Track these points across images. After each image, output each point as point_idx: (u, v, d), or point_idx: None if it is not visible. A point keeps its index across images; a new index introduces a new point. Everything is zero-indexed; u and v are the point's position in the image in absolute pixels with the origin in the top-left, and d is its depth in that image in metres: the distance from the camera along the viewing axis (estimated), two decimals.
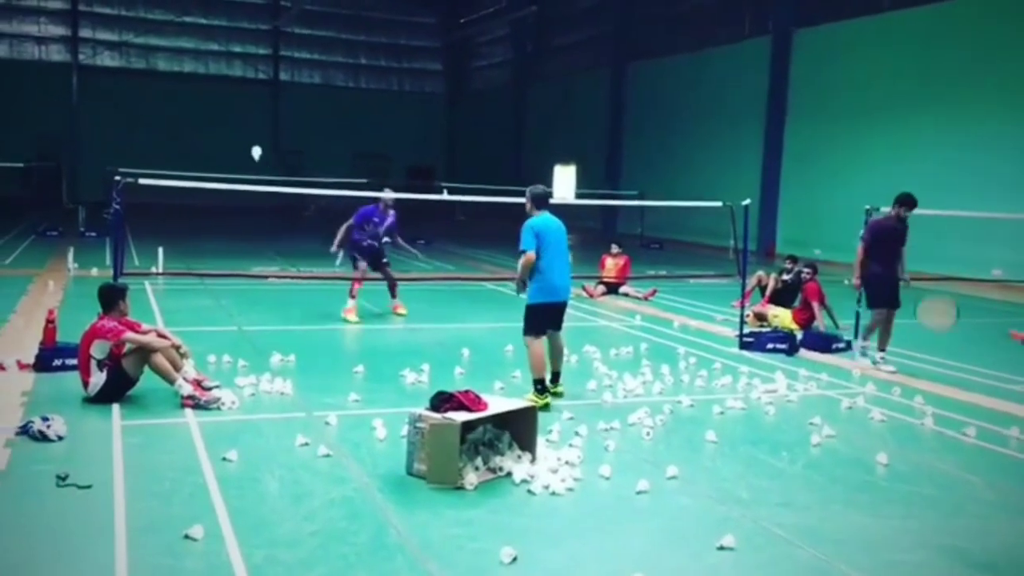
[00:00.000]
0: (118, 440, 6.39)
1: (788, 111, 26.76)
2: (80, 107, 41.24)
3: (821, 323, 12.17)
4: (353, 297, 12.26)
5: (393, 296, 12.78)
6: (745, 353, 10.71)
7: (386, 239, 12.52)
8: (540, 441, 6.35)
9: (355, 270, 12.46)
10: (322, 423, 7.00)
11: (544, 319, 7.90)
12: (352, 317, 12.10)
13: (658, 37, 32.99)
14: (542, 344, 7.84)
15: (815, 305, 12.26)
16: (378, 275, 12.70)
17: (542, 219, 7.85)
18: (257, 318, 12.16)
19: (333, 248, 12.57)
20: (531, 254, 7.67)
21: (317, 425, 6.96)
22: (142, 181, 10.14)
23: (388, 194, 12.59)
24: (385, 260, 12.58)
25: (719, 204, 12.66)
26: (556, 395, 8.01)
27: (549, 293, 7.83)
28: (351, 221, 12.34)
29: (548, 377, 7.95)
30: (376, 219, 12.38)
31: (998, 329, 14.43)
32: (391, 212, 12.53)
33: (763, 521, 5.33)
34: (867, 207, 11.24)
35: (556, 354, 8.09)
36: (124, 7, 42.68)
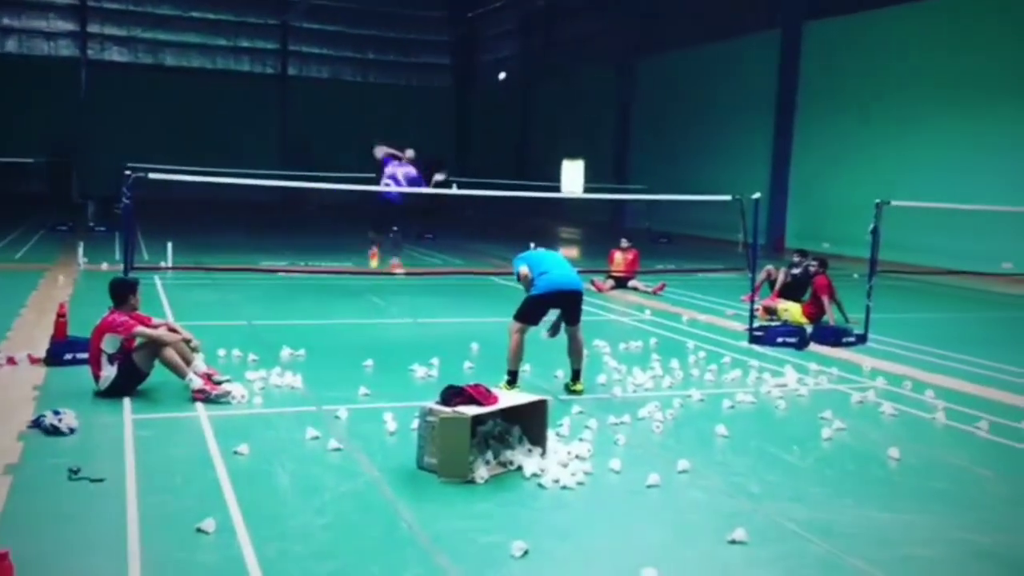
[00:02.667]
0: (129, 434, 6.41)
1: (798, 104, 26.66)
2: (89, 102, 41.28)
3: (831, 317, 12.13)
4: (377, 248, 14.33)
5: (396, 256, 14.63)
6: (755, 347, 10.69)
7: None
8: (550, 435, 6.34)
9: (373, 232, 14.63)
10: (332, 417, 7.00)
11: (540, 309, 7.94)
12: (374, 261, 14.08)
13: (667, 31, 32.89)
14: (523, 336, 7.85)
15: (825, 299, 12.22)
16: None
17: (532, 251, 8.52)
18: (266, 312, 12.18)
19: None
20: (524, 268, 8.05)
21: (327, 419, 6.96)
22: (152, 176, 10.14)
23: (409, 152, 14.48)
24: (396, 228, 14.58)
25: (728, 198, 12.61)
26: (576, 392, 7.99)
27: (550, 285, 7.84)
28: (384, 174, 14.38)
29: (569, 373, 8.16)
30: (396, 162, 14.32)
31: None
32: (413, 167, 14.34)
33: (775, 515, 5.32)
34: (877, 201, 11.20)
35: (574, 351, 8.03)
36: (132, 2, 42.67)
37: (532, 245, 8.70)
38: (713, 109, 30.04)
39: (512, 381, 7.82)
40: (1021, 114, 19.89)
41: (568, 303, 7.95)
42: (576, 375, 8.11)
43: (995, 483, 6.12)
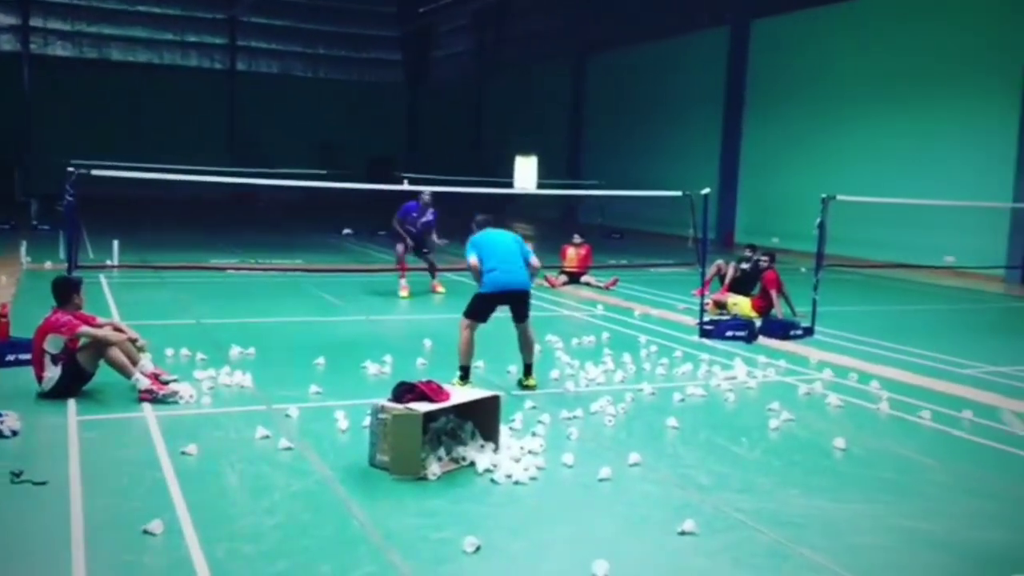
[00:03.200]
0: (74, 435, 6.29)
1: (746, 101, 27.00)
2: (32, 98, 40.37)
3: (779, 311, 12.30)
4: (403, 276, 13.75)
5: (433, 277, 14.11)
6: (705, 341, 10.81)
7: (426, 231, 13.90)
8: (503, 430, 6.35)
9: (397, 252, 13.86)
10: (283, 416, 6.94)
11: (488, 307, 7.98)
12: (404, 293, 13.56)
13: (618, 27, 33.06)
14: (473, 332, 7.90)
15: (773, 293, 12.39)
16: (421, 263, 14.10)
17: (482, 234, 8.23)
18: (215, 311, 12.03)
19: (406, 241, 13.80)
20: (473, 259, 7.99)
21: (278, 418, 6.90)
22: (95, 172, 9.93)
23: (427, 194, 13.84)
24: (426, 250, 13.92)
25: (678, 193, 12.74)
26: (528, 387, 8.03)
27: (497, 284, 7.89)
28: (396, 217, 13.75)
29: (521, 369, 8.16)
30: (415, 214, 13.70)
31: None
32: (430, 210, 13.80)
33: (724, 506, 5.39)
34: (823, 196, 11.38)
35: (524, 346, 8.09)
36: None
37: (477, 219, 8.43)
38: (664, 105, 30.29)
39: (464, 377, 7.85)
40: (961, 110, 20.34)
41: (514, 302, 8.01)
42: (528, 369, 8.15)
43: (937, 471, 6.26)
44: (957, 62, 20.49)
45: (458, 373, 7.86)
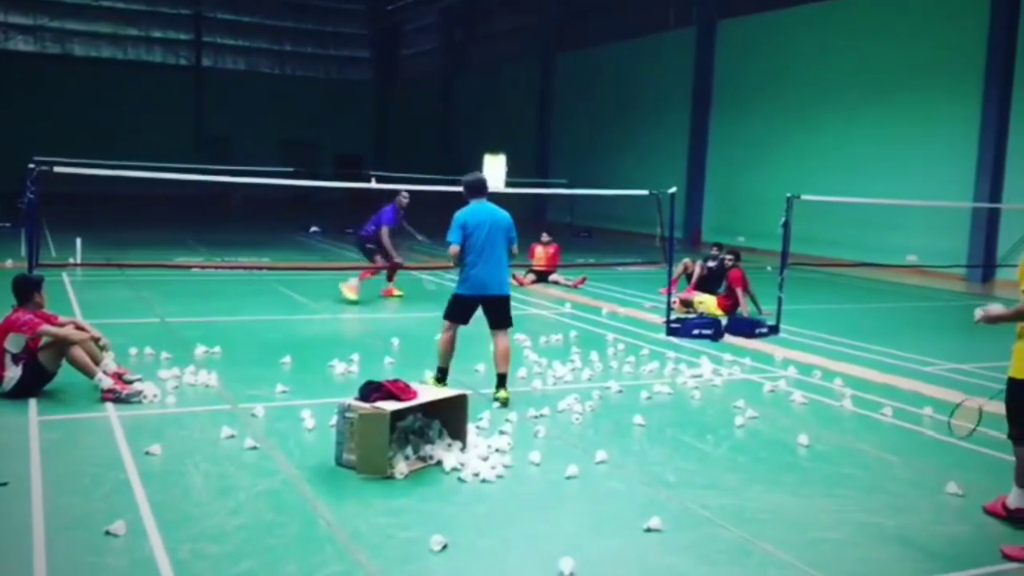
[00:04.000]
0: (35, 436, 6.21)
1: (712, 101, 27.21)
2: None
3: (745, 309, 12.41)
4: (361, 279, 13.08)
5: (390, 281, 13.66)
6: (672, 339, 10.88)
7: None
8: (470, 429, 6.36)
9: (372, 261, 13.28)
10: (248, 415, 6.89)
11: (466, 310, 7.64)
12: (351, 295, 12.80)
13: (586, 27, 33.17)
14: (453, 334, 7.62)
15: (739, 291, 12.50)
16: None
17: (471, 210, 7.56)
18: (180, 309, 11.91)
19: (398, 260, 13.27)
20: (454, 247, 7.45)
21: (243, 417, 6.85)
22: (58, 169, 9.80)
23: (404, 195, 13.37)
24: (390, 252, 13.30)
25: (646, 192, 12.82)
26: (500, 401, 7.46)
27: (474, 287, 7.53)
28: (388, 229, 13.04)
29: (494, 378, 7.62)
30: (398, 218, 13.27)
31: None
32: (403, 207, 13.43)
33: (689, 503, 5.43)
34: (788, 195, 11.50)
35: (499, 356, 7.55)
36: None
37: (466, 180, 7.75)
38: (632, 105, 30.43)
39: (442, 379, 7.67)
40: (924, 112, 20.65)
41: (491, 306, 7.60)
42: (501, 380, 7.59)
43: (899, 467, 6.35)
44: (919, 64, 20.78)
45: (433, 373, 7.74)
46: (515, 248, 7.79)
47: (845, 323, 12.81)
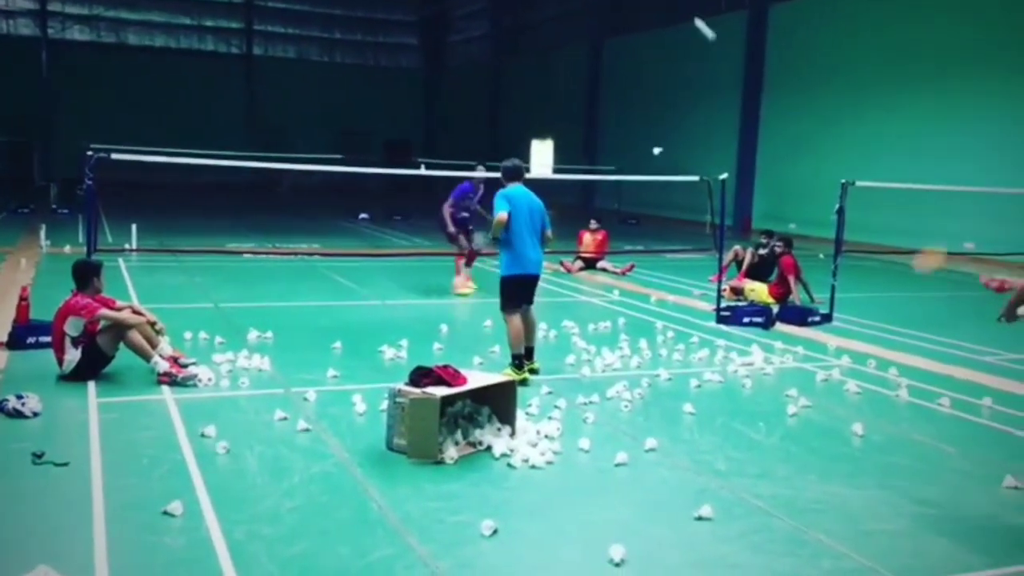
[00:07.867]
0: (94, 417, 6.35)
1: (764, 85, 26.80)
2: (50, 82, 40.54)
3: (797, 297, 12.24)
4: (459, 273, 12.90)
5: (468, 266, 13.11)
6: (722, 327, 10.77)
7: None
8: (519, 415, 6.36)
9: (456, 246, 12.90)
10: (300, 399, 6.98)
11: (518, 292, 7.85)
12: (464, 290, 12.68)
13: (635, 12, 32.85)
14: (519, 319, 7.81)
15: (791, 279, 12.33)
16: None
17: (513, 189, 7.85)
18: (233, 295, 12.08)
19: (452, 230, 12.71)
20: (503, 214, 7.60)
21: (296, 401, 6.94)
22: (115, 156, 9.99)
23: (480, 172, 13.09)
24: (471, 228, 12.98)
25: (696, 179, 12.68)
26: (532, 371, 7.94)
27: (522, 265, 7.78)
28: (451, 200, 12.70)
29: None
30: (472, 195, 12.90)
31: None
32: (481, 187, 13.06)
33: (740, 492, 5.39)
34: (842, 181, 11.30)
35: (529, 329, 7.96)
36: None
37: (505, 165, 7.99)
38: (681, 90, 30.10)
39: (519, 365, 7.75)
40: (985, 94, 20.12)
41: (530, 285, 7.95)
42: (529, 352, 7.97)
43: (956, 458, 6.23)
44: (974, 45, 20.23)
45: (512, 362, 7.78)
46: (549, 232, 8.04)
47: (900, 312, 12.58)
